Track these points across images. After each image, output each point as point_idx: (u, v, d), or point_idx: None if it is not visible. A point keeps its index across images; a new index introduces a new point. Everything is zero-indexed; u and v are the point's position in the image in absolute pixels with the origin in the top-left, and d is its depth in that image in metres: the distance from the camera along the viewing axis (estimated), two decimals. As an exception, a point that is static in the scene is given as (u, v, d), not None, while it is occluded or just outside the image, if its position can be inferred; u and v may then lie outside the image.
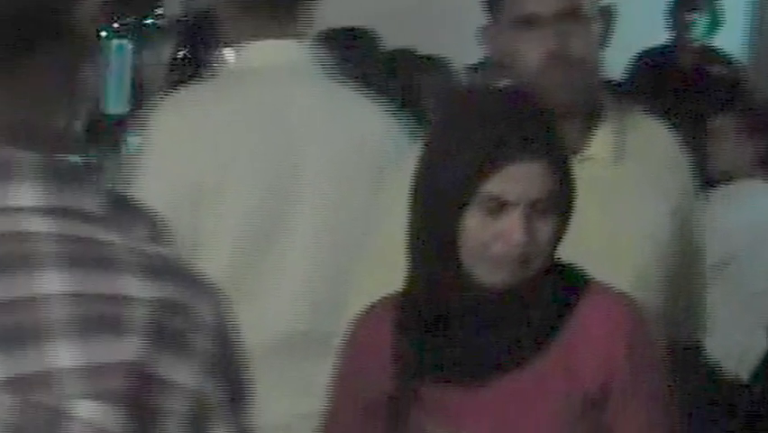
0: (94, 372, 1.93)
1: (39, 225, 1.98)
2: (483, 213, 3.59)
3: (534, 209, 3.59)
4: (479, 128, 3.75)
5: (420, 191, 3.81)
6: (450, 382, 3.76)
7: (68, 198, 2.04)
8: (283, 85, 5.40)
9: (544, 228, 3.67)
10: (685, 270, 4.93)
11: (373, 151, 5.32)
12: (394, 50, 9.34)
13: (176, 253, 2.25)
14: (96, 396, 1.91)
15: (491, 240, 3.59)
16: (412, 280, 3.82)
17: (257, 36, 5.34)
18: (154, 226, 2.24)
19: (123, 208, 2.21)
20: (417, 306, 3.81)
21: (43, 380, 1.88)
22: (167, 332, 2.02)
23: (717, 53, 12.93)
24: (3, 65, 2.06)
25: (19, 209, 1.96)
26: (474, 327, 3.79)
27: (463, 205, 3.60)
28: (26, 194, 2.00)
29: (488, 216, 3.60)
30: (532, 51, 4.56)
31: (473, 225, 3.60)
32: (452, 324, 3.82)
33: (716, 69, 12.48)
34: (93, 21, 2.14)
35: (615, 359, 3.75)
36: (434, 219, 3.76)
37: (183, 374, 2.02)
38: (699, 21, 12.74)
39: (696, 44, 12.81)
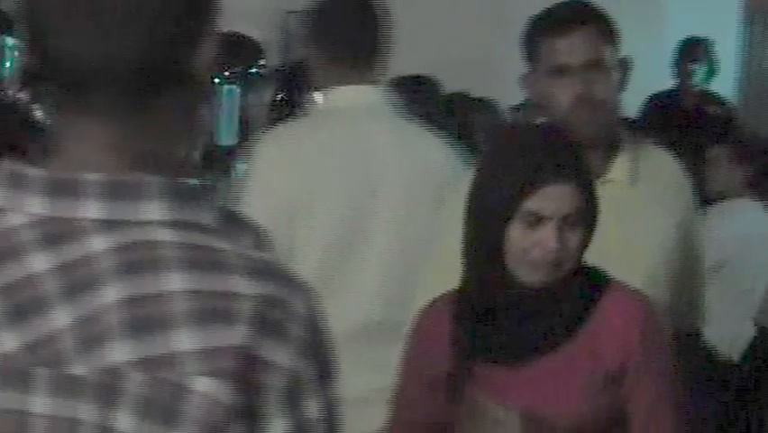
0: (209, 354, 2.16)
1: (165, 235, 2.24)
2: (524, 225, 4.04)
3: (565, 222, 4.09)
4: (520, 157, 4.21)
5: (472, 208, 4.28)
6: (497, 362, 4.23)
7: (189, 213, 2.29)
8: (362, 122, 6.03)
9: (573, 238, 4.13)
10: (687, 271, 5.49)
11: (435, 175, 5.90)
12: (452, 93, 10.00)
13: (275, 258, 2.48)
14: (211, 373, 2.13)
15: (530, 247, 4.05)
16: (466, 279, 4.29)
17: (341, 82, 5.96)
18: (257, 236, 2.50)
19: (233, 222, 2.46)
20: (470, 300, 4.27)
21: (168, 360, 2.11)
22: (267, 321, 2.23)
23: (713, 96, 13.77)
24: (135, 105, 2.27)
25: (149, 222, 2.24)
26: (516, 317, 4.26)
27: (508, 219, 4.07)
28: (154, 210, 2.23)
29: (527, 228, 4.04)
30: (563, 95, 5.12)
31: (516, 235, 4.04)
32: (498, 315, 4.26)
33: (712, 109, 13.30)
34: (208, 70, 2.40)
35: (630, 344, 4.18)
36: (484, 231, 4.21)
37: (281, 356, 2.23)
38: (699, 70, 13.55)
39: (696, 89, 13.61)
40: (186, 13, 2.27)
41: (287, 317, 2.19)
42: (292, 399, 2.17)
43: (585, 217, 4.13)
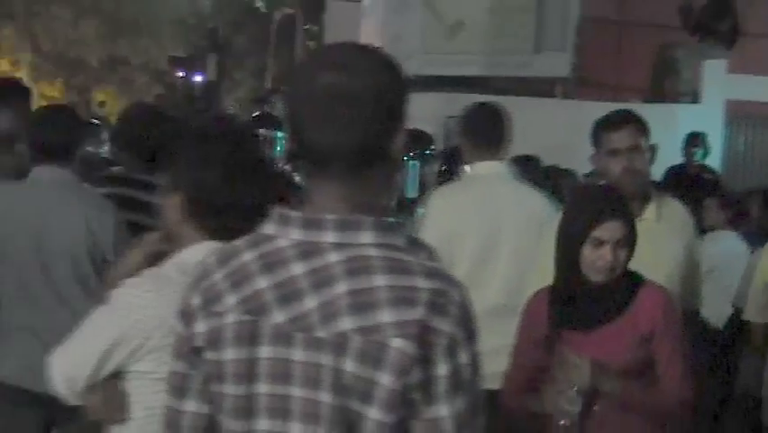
0: (401, 324, 2.92)
1: (373, 252, 3.03)
2: (592, 246, 5.34)
3: (617, 244, 5.37)
4: (590, 204, 5.55)
5: (560, 237, 5.59)
6: (575, 329, 5.51)
7: (388, 238, 3.09)
8: (493, 184, 7.71)
9: (621, 254, 5.41)
10: (690, 274, 6.91)
11: (537, 217, 7.39)
12: (548, 166, 12.09)
13: (440, 266, 3.27)
14: (402, 336, 2.90)
15: (596, 260, 5.34)
16: (556, 280, 5.61)
17: (481, 159, 7.71)
18: (430, 253, 3.35)
19: (415, 244, 3.30)
20: (560, 292, 5.59)
21: (376, 328, 2.89)
22: (436, 305, 2.98)
23: (707, 168, 16.44)
24: (356, 174, 3.09)
25: (364, 244, 3.04)
26: (587, 302, 5.53)
27: (582, 243, 5.36)
28: (367, 237, 3.05)
29: (594, 248, 5.34)
30: (615, 167, 6.58)
31: (587, 252, 5.35)
32: (576, 301, 5.54)
33: (706, 176, 15.81)
34: (400, 151, 3.21)
35: (656, 318, 5.44)
36: (569, 250, 5.48)
37: (444, 326, 2.97)
38: (698, 152, 16.17)
39: (696, 163, 16.18)
40: (387, 118, 3.10)
41: (447, 302, 3.00)
42: (451, 352, 2.97)
43: (629, 241, 5.41)
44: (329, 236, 2.96)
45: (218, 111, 21.78)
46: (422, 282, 2.90)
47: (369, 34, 21.53)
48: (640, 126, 6.61)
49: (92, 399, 4.35)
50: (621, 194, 5.68)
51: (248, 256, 3.07)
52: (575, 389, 5.08)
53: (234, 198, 4.29)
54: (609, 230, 5.23)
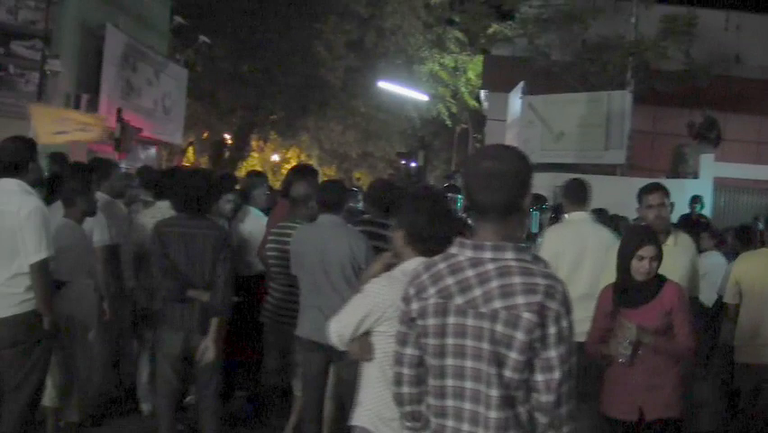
0: (529, 304, 3.14)
1: (513, 264, 3.22)
2: (637, 260, 5.73)
3: (651, 259, 5.72)
4: (635, 236, 5.98)
5: (619, 255, 5.99)
6: (628, 307, 5.91)
7: (521, 255, 3.26)
8: (581, 225, 7.89)
9: (654, 265, 5.76)
10: (693, 276, 7.01)
11: (605, 244, 7.52)
12: (613, 215, 12.20)
13: (552, 272, 3.32)
14: (529, 311, 3.14)
15: (639, 268, 5.76)
16: (617, 279, 6.01)
17: (572, 210, 8.06)
18: (545, 264, 3.35)
19: (537, 259, 3.34)
20: (619, 286, 5.99)
21: (514, 306, 3.15)
22: (549, 293, 3.16)
23: (702, 215, 17.04)
24: (502, 220, 3.29)
25: (507, 259, 3.22)
26: (635, 291, 5.93)
27: (632, 258, 5.78)
28: (509, 254, 3.24)
29: (638, 261, 5.73)
30: (650, 215, 6.99)
31: (634, 264, 5.76)
32: (628, 290, 5.96)
33: (702, 220, 15.88)
34: (528, 206, 3.39)
35: (674, 301, 5.82)
36: (624, 262, 5.88)
37: (553, 305, 3.16)
38: (698, 206, 17.36)
39: (697, 212, 17.02)
40: (520, 187, 3.29)
41: (555, 291, 3.18)
42: (557, 320, 3.18)
43: (658, 258, 5.81)
44: (488, 254, 3.29)
45: (424, 183, 22.87)
46: (540, 280, 3.21)
47: (510, 140, 23.12)
48: (665, 191, 7.17)
49: (353, 346, 4.91)
50: (653, 230, 6.26)
51: (441, 265, 3.42)
52: (628, 341, 5.76)
53: (434, 232, 4.77)
54: (647, 251, 5.84)
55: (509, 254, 3.25)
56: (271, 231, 8.28)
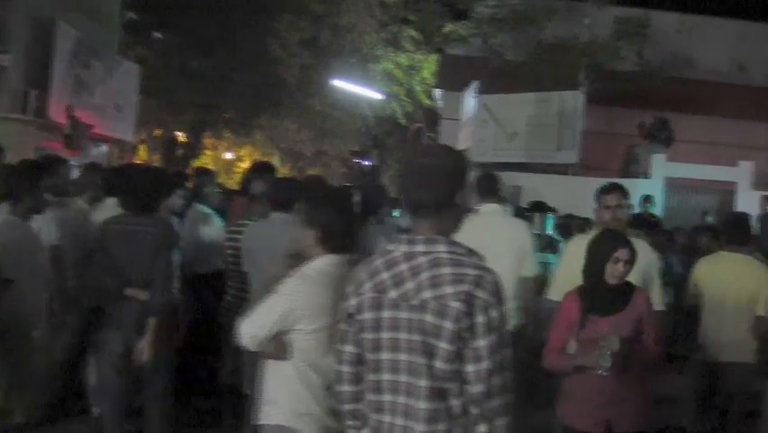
0: (457, 294, 3.21)
1: (444, 255, 3.31)
2: (613, 263, 5.56)
3: (626, 262, 5.58)
4: (611, 239, 5.76)
5: (591, 258, 5.76)
6: (599, 314, 5.66)
7: (453, 248, 3.35)
8: (495, 216, 7.93)
9: (628, 268, 5.64)
10: (646, 280, 6.75)
11: (517, 239, 7.74)
12: (565, 214, 12.20)
13: (482, 261, 3.37)
14: (457, 300, 3.19)
15: (614, 271, 5.57)
16: (585, 282, 5.79)
17: (485, 202, 7.94)
18: (477, 255, 3.40)
19: (468, 250, 3.39)
20: (588, 291, 5.76)
21: (442, 296, 3.24)
22: (478, 283, 3.23)
23: (653, 215, 17.44)
24: (435, 215, 3.37)
25: (439, 251, 3.30)
26: (607, 297, 5.70)
27: (607, 261, 5.59)
28: (441, 247, 3.33)
29: (614, 264, 5.57)
30: (606, 215, 6.82)
31: (610, 267, 5.58)
32: (598, 296, 5.71)
33: (653, 219, 16.00)
34: (462, 202, 3.43)
35: (644, 309, 5.71)
36: (597, 265, 5.67)
37: (482, 294, 3.23)
38: (649, 205, 17.77)
39: (648, 211, 17.34)
40: (455, 183, 3.37)
41: (485, 281, 3.25)
42: (485, 310, 3.23)
43: (631, 261, 5.68)
44: (420, 247, 3.36)
45: (378, 182, 22.57)
46: (470, 270, 3.27)
47: (464, 139, 23.56)
48: (623, 192, 6.98)
49: (268, 346, 4.82)
50: (619, 232, 6.03)
51: (378, 261, 3.48)
52: (609, 352, 5.45)
53: (347, 231, 4.95)
54: (623, 253, 5.65)
55: (441, 247, 3.33)
56: (228, 229, 8.25)
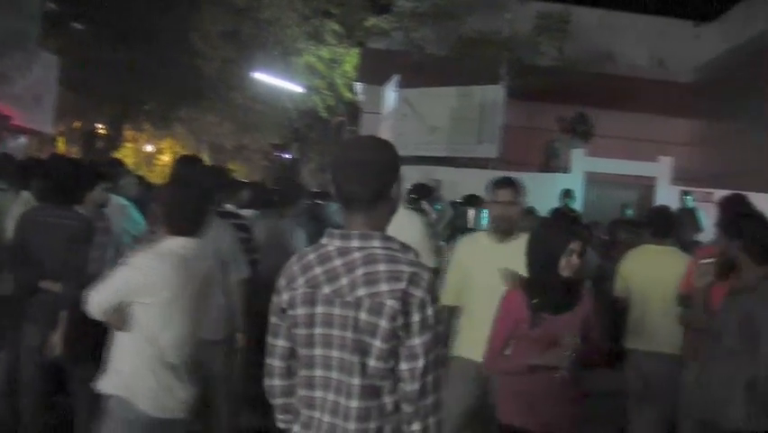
0: (393, 292, 3.18)
1: (379, 252, 3.26)
2: (567, 255, 5.26)
3: (578, 254, 5.31)
4: (564, 229, 5.48)
5: (541, 251, 5.42)
6: (551, 312, 5.39)
7: (387, 244, 3.30)
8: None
9: (580, 260, 5.33)
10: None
11: (414, 227, 7.79)
12: (469, 195, 11.69)
13: (417, 258, 3.35)
14: (393, 298, 3.15)
15: (569, 263, 5.28)
16: (535, 280, 5.44)
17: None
18: (414, 252, 3.39)
19: (405, 247, 3.38)
20: (536, 288, 5.43)
21: (378, 294, 3.19)
22: (413, 280, 3.20)
23: (573, 209, 16.90)
24: (369, 209, 3.33)
25: (374, 247, 3.26)
26: (559, 293, 5.42)
27: (562, 253, 5.28)
28: (376, 243, 3.28)
29: (568, 256, 5.27)
30: (495, 210, 6.58)
31: (564, 260, 5.28)
32: (550, 291, 5.41)
33: (573, 214, 15.44)
34: (396, 196, 3.36)
35: (589, 307, 5.50)
36: (551, 258, 5.33)
37: (418, 292, 3.20)
38: (570, 201, 17.69)
39: (569, 207, 16.90)
40: (387, 175, 3.33)
41: (420, 279, 3.22)
42: (421, 308, 3.21)
43: (584, 253, 5.40)
44: (355, 243, 3.31)
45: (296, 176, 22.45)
46: (405, 268, 3.23)
47: (385, 132, 22.90)
48: (517, 189, 6.60)
49: (112, 316, 4.99)
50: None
51: (311, 255, 3.42)
52: (571, 351, 5.24)
53: (186, 216, 5.12)
54: (578, 245, 5.39)
55: (376, 242, 3.29)
56: None
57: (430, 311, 3.23)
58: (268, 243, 8.45)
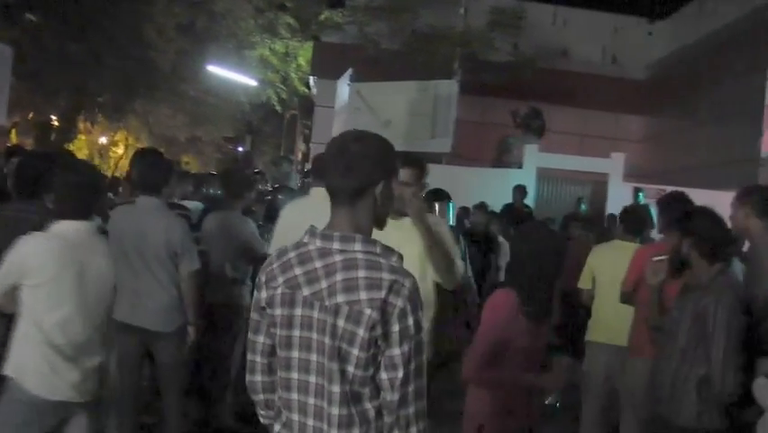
0: (372, 300, 3.10)
1: (360, 255, 3.18)
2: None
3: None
4: (554, 231, 5.33)
5: (549, 252, 4.98)
6: (537, 322, 4.98)
7: (369, 247, 3.20)
8: (327, 201, 4.69)
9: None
10: (422, 264, 5.74)
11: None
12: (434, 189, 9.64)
13: (401, 264, 3.26)
14: (371, 307, 3.09)
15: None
16: (525, 283, 4.93)
17: (317, 185, 6.88)
18: (398, 257, 3.29)
19: (388, 250, 3.27)
20: (533, 293, 4.92)
21: (357, 302, 3.11)
22: (393, 289, 3.10)
23: (526, 205, 18.06)
24: (353, 204, 3.26)
25: (354, 251, 3.17)
26: (546, 304, 5.02)
27: (563, 254, 4.92)
28: (358, 246, 3.19)
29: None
30: (407, 192, 5.54)
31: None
32: (543, 299, 4.98)
33: (526, 210, 17.25)
34: (390, 198, 3.33)
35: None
36: (556, 261, 4.96)
37: (398, 302, 3.12)
38: (521, 195, 18.02)
39: (520, 202, 17.70)
40: (375, 173, 3.23)
41: (401, 287, 3.12)
42: (401, 318, 3.13)
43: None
44: (336, 245, 3.23)
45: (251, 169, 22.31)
46: (386, 275, 3.14)
47: (338, 127, 22.97)
48: (422, 171, 5.93)
49: (2, 299, 5.14)
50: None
51: (291, 254, 3.36)
52: (567, 375, 4.94)
53: (69, 198, 5.18)
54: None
55: (357, 246, 3.21)
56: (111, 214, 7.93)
57: (410, 320, 3.15)
58: (216, 235, 8.46)
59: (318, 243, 3.27)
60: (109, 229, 7.00)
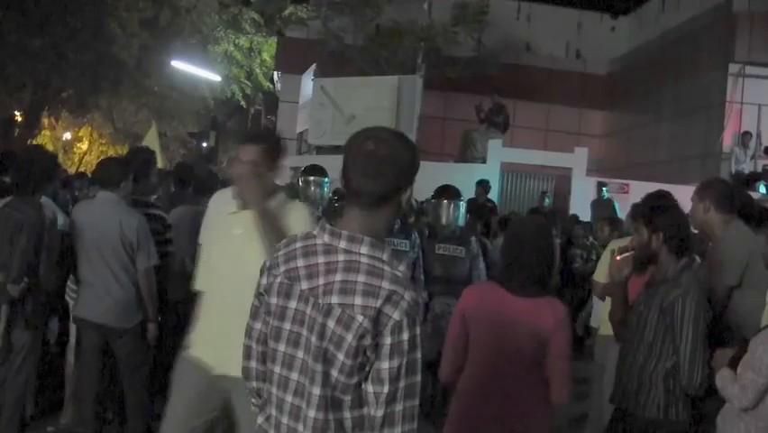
0: (366, 308, 2.95)
1: (364, 259, 3.05)
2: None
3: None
4: (545, 223, 5.28)
5: (552, 247, 5.09)
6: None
7: (376, 252, 3.07)
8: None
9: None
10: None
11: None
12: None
13: (406, 273, 3.12)
14: (364, 315, 2.93)
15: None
16: (549, 277, 5.04)
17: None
18: (406, 265, 3.18)
19: (396, 256, 3.16)
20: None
21: (351, 307, 2.98)
22: (391, 299, 2.96)
23: (490, 199, 17.66)
24: (373, 208, 3.11)
25: (360, 253, 3.04)
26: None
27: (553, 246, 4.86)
28: (364, 249, 3.06)
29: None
30: (238, 169, 4.79)
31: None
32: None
33: (489, 204, 16.53)
34: (402, 202, 3.18)
35: None
36: (551, 254, 5.01)
37: (394, 313, 2.95)
38: (485, 190, 17.74)
39: (484, 197, 17.33)
40: (403, 179, 3.09)
41: (399, 299, 2.97)
42: (394, 332, 2.95)
43: None
44: (342, 243, 3.11)
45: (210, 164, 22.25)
46: (386, 284, 2.99)
47: (302, 122, 23.33)
48: (265, 149, 4.81)
49: None
50: None
51: (298, 244, 3.26)
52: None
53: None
54: None
55: (364, 249, 3.05)
56: (72, 210, 7.88)
57: (405, 336, 2.94)
58: (181, 231, 8.19)
59: (326, 238, 3.13)
60: (70, 225, 7.06)
